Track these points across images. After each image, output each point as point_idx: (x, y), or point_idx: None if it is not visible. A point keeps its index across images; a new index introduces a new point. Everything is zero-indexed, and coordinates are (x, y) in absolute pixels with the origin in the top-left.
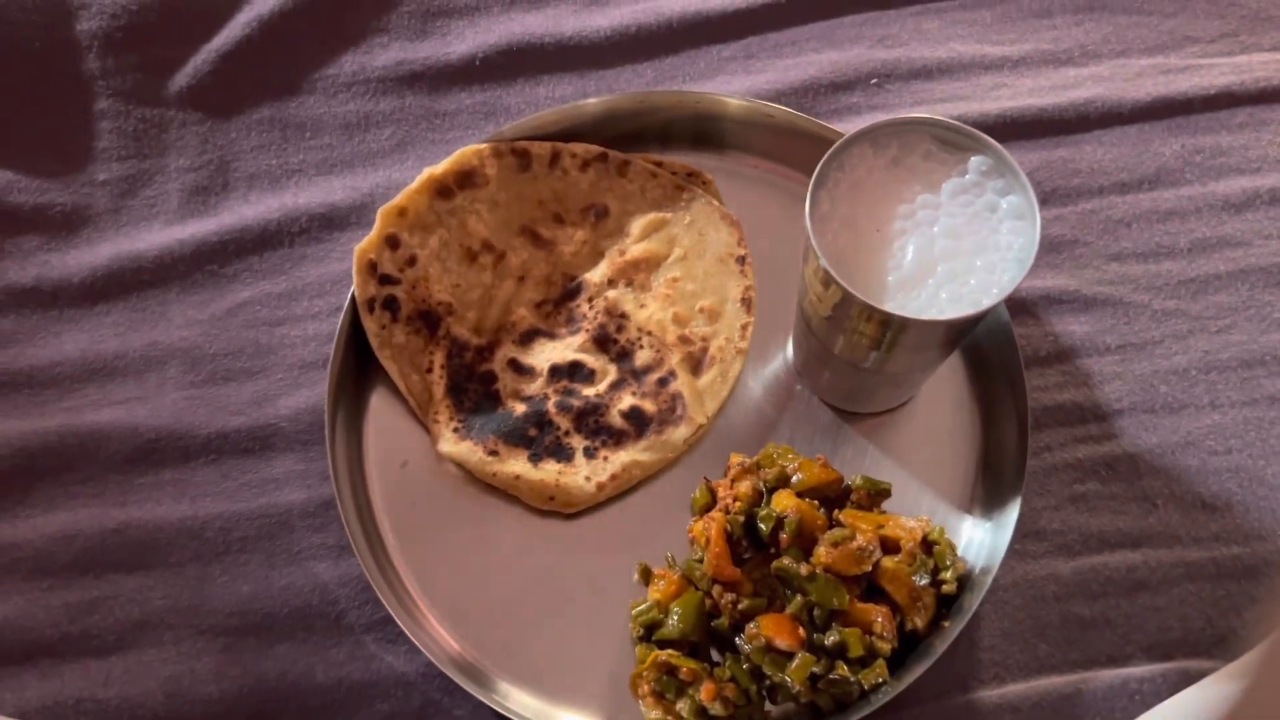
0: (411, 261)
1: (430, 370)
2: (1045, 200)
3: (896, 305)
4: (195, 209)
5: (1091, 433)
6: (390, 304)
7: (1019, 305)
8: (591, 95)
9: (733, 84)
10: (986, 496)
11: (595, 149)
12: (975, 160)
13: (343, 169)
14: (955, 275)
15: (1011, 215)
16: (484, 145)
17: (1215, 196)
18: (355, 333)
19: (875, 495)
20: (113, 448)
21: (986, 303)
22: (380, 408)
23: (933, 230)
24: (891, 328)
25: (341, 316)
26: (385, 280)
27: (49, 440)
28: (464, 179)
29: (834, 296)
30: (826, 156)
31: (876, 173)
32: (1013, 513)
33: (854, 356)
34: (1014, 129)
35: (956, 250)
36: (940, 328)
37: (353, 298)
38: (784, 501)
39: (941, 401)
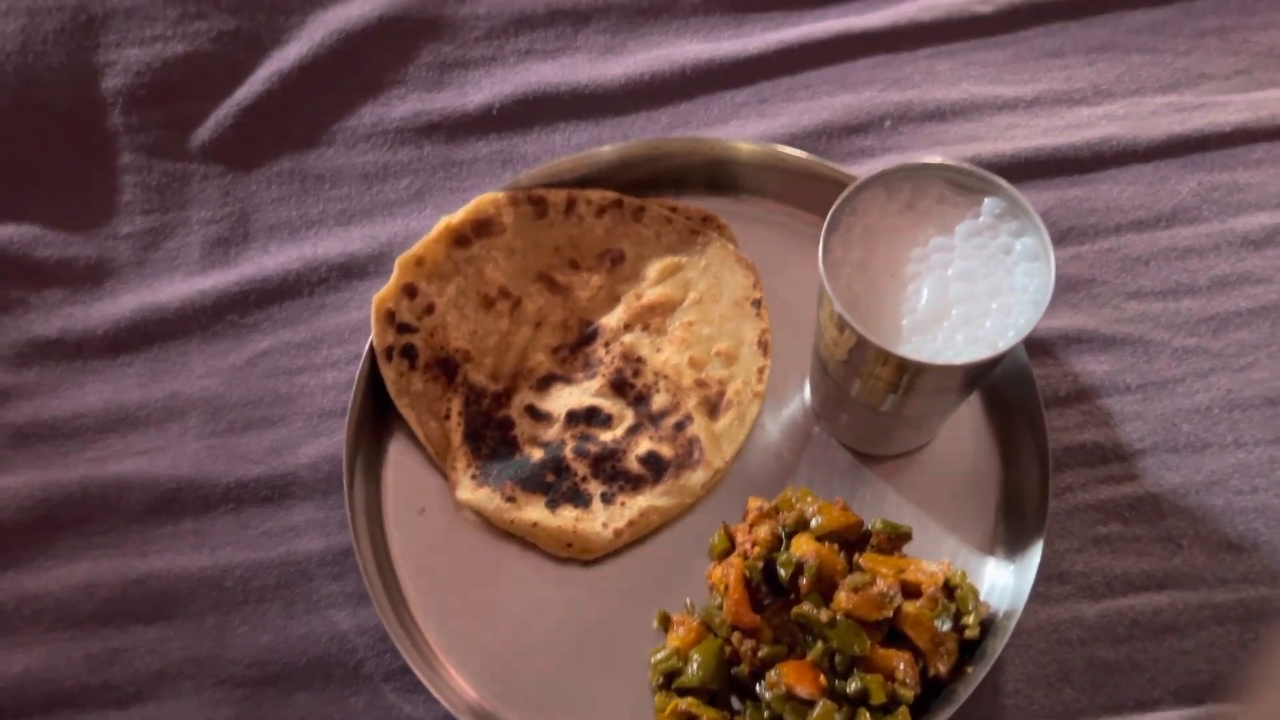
0: (429, 309)
1: (448, 417)
2: (1062, 239)
3: (912, 349)
4: (216, 260)
5: (1114, 473)
6: (408, 352)
7: (1038, 345)
8: (607, 142)
9: (747, 128)
10: (1009, 539)
11: (610, 195)
12: (989, 202)
13: (361, 219)
14: (970, 318)
15: (1026, 257)
16: (500, 193)
17: (1234, 233)
18: (374, 381)
19: (896, 539)
20: (134, 498)
21: (1003, 345)
22: (399, 455)
23: (947, 273)
24: (908, 372)
25: (360, 365)
26: (403, 329)
27: (72, 491)
28: (481, 227)
29: (849, 341)
30: (839, 201)
31: (890, 216)
32: (1035, 555)
33: (871, 400)
34: (1028, 169)
35: (971, 293)
36: (957, 371)
37: (371, 346)
38: (803, 546)
39: (961, 443)
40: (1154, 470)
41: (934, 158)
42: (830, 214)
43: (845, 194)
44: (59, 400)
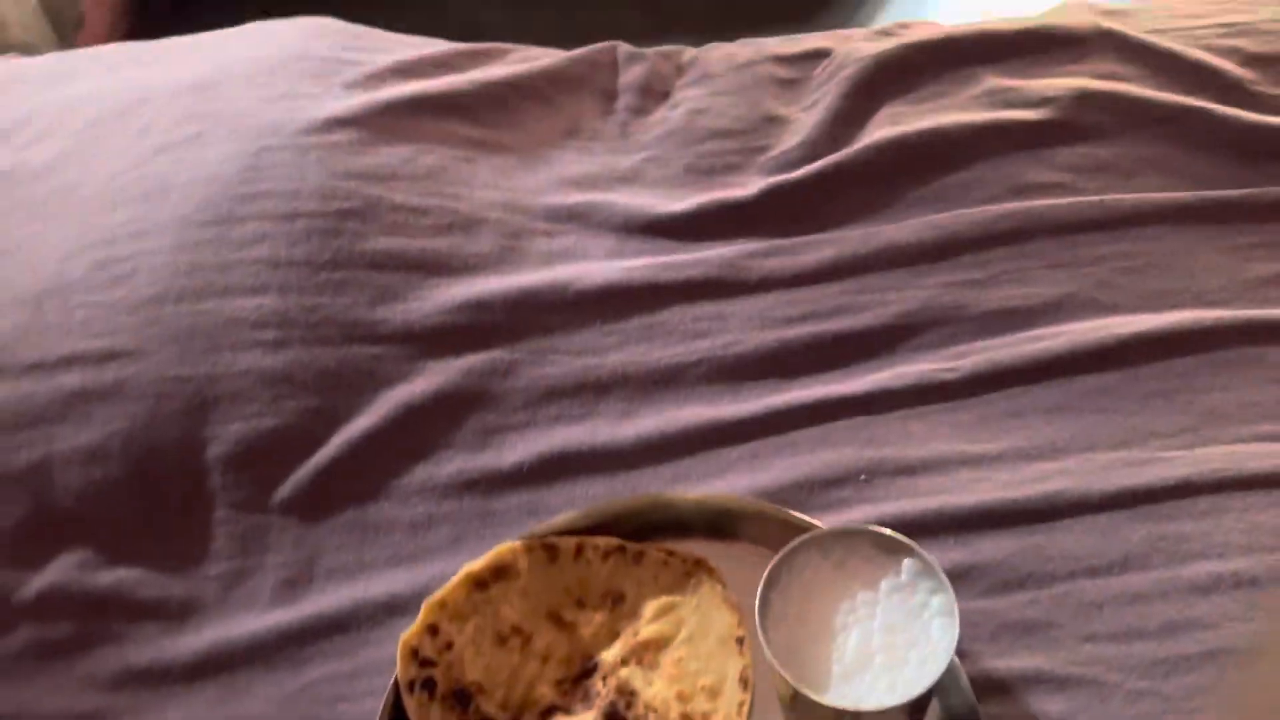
0: (449, 646)
1: None
2: (1021, 584)
3: (838, 694)
4: (284, 599)
5: None
6: (428, 684)
7: (996, 685)
8: (620, 493)
9: (740, 481)
10: None
11: (615, 541)
12: (907, 563)
13: (407, 563)
14: (891, 666)
15: (940, 613)
16: (518, 543)
17: (1182, 580)
18: (398, 711)
19: None
20: None
21: (914, 693)
22: None
23: (872, 625)
24: (845, 715)
25: (384, 698)
26: (425, 663)
27: None
28: (499, 573)
29: (788, 687)
30: (775, 561)
31: (823, 573)
32: None
33: None
34: (991, 519)
35: (893, 643)
36: (880, 715)
37: (395, 680)
38: None
39: None
40: None
41: (861, 524)
42: (766, 572)
43: (780, 555)
44: None
